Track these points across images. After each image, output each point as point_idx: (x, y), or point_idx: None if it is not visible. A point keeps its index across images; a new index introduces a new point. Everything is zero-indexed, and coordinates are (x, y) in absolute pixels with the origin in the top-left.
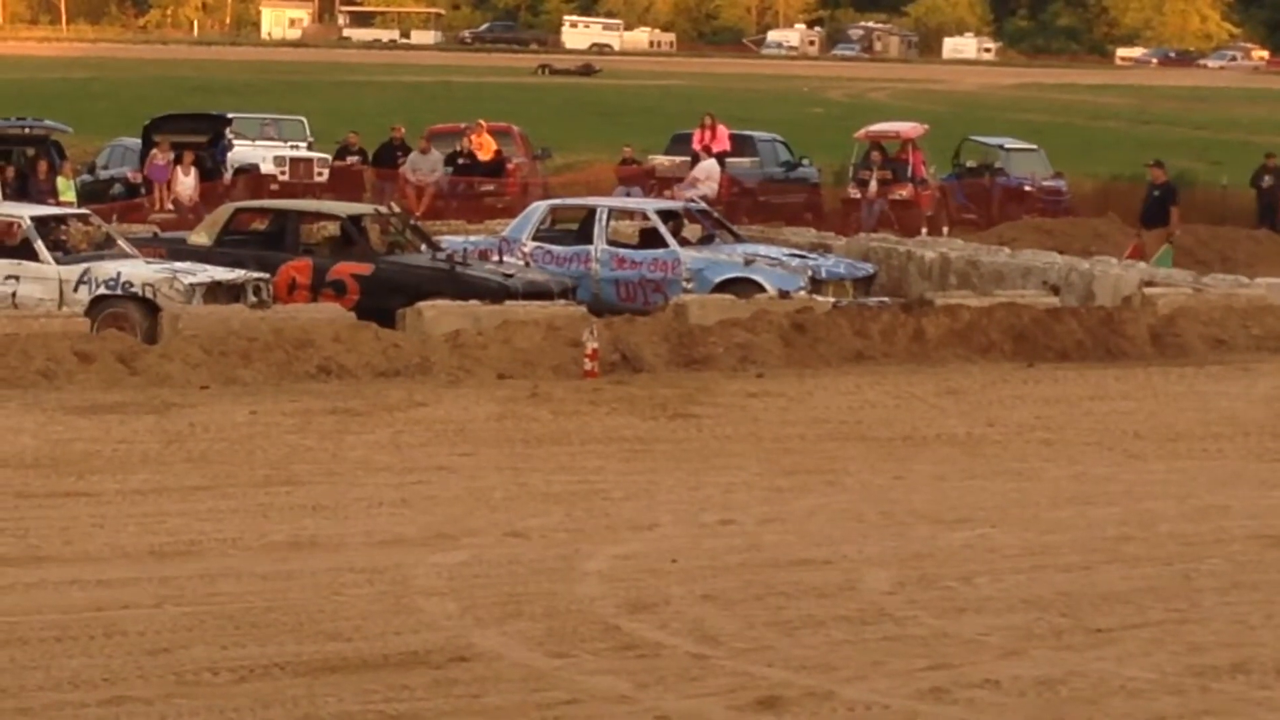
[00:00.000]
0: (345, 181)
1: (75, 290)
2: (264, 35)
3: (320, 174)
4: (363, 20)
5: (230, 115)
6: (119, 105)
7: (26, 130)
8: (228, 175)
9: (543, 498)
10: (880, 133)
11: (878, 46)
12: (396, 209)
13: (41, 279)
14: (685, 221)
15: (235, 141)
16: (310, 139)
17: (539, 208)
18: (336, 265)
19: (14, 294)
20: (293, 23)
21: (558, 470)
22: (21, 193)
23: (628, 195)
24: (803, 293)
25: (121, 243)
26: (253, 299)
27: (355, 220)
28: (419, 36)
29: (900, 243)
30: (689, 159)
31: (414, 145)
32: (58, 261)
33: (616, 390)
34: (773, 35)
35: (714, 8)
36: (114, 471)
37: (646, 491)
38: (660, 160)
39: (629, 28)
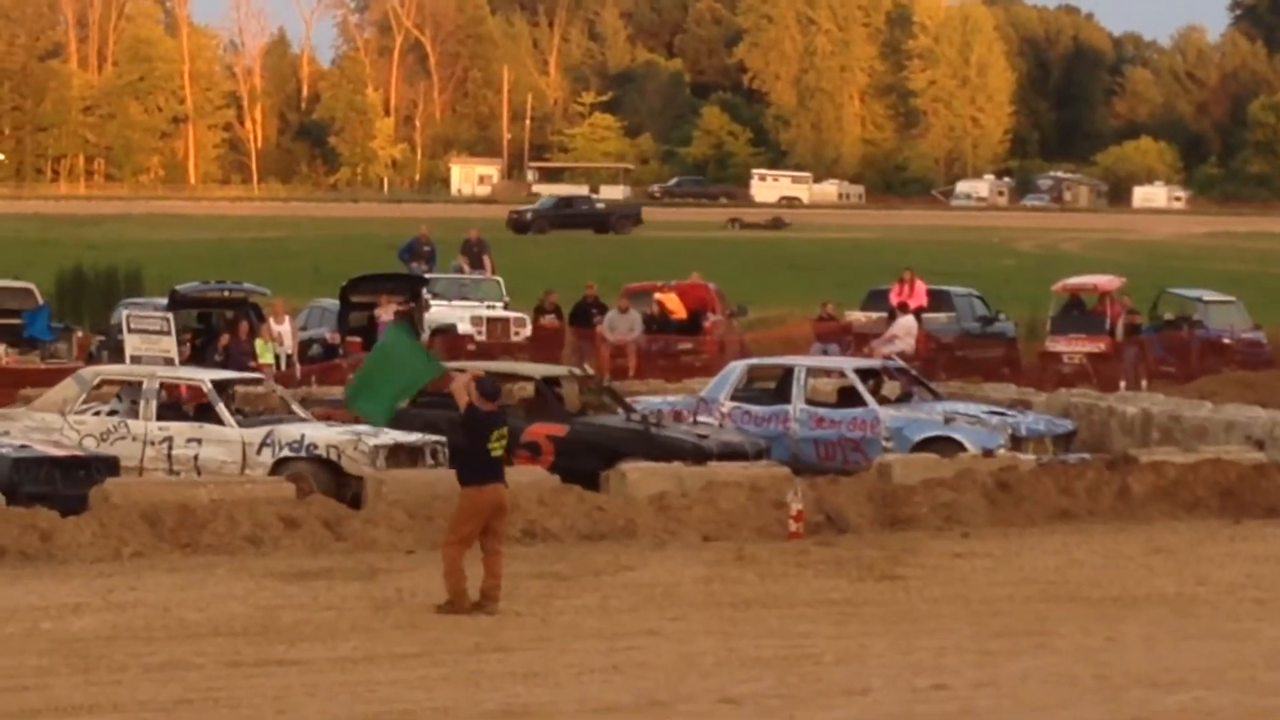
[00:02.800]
0: (544, 341)
1: (258, 453)
2: (454, 192)
3: (517, 334)
4: (552, 176)
5: (427, 275)
6: (312, 264)
7: (226, 293)
8: (425, 336)
9: (754, 663)
10: (1078, 285)
11: (1067, 196)
12: (590, 370)
13: (224, 441)
14: (884, 379)
15: (432, 302)
16: (506, 299)
17: (736, 368)
18: (531, 427)
19: (196, 456)
20: (482, 179)
21: (767, 634)
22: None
23: (825, 353)
24: (1003, 450)
25: (295, 407)
26: (430, 461)
27: (550, 381)
28: (608, 191)
29: (1101, 398)
30: (886, 315)
31: (609, 303)
32: (239, 424)
33: (822, 552)
34: (962, 186)
35: (903, 159)
36: (324, 639)
37: (857, 655)
38: (857, 316)
39: (818, 180)
